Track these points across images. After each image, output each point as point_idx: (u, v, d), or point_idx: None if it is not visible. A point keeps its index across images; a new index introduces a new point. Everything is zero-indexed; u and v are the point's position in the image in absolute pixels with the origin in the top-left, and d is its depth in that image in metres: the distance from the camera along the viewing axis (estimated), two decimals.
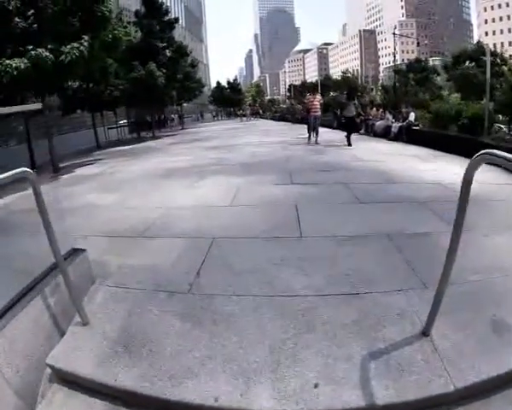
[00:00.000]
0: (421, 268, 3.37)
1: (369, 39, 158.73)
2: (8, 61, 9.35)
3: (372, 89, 76.78)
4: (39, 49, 9.72)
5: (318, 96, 14.96)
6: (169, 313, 2.90)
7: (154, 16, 26.63)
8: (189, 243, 4.26)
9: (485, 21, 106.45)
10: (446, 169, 8.12)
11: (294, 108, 36.26)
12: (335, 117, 21.54)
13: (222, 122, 50.08)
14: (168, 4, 42.97)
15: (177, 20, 30.06)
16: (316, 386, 2.12)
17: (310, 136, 14.23)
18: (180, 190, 7.18)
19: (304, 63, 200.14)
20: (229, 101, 64.60)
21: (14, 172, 2.38)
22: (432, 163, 9.07)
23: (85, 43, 10.43)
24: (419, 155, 10.18)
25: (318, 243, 4.07)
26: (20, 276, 2.98)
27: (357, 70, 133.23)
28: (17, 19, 10.09)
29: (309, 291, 3.08)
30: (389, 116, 16.55)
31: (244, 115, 51.44)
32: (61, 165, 13.54)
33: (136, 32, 25.94)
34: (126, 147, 19.92)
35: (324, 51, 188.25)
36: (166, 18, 28.01)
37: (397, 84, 35.93)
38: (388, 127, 15.58)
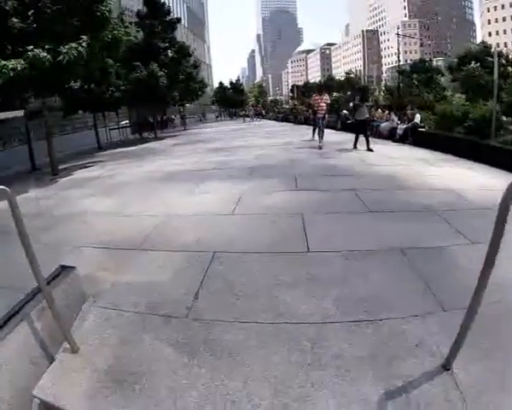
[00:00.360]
0: (439, 288, 3.15)
1: (371, 39, 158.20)
2: (4, 62, 9.11)
3: (375, 89, 76.40)
4: (36, 50, 9.46)
5: (325, 97, 14.02)
6: (165, 343, 2.67)
7: (155, 16, 26.39)
8: (188, 258, 4.01)
9: (489, 22, 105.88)
10: (456, 174, 7.93)
11: (297, 108, 35.99)
12: (339, 118, 21.30)
13: (225, 123, 49.76)
14: (170, 5, 42.79)
15: (179, 20, 29.81)
16: None
17: (319, 138, 13.22)
18: (181, 195, 6.93)
19: (306, 63, 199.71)
20: (232, 101, 64.32)
21: None
22: (440, 168, 8.83)
23: (84, 44, 10.16)
24: (427, 159, 9.92)
25: (327, 259, 3.80)
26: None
27: (360, 70, 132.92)
28: (14, 19, 9.84)
29: (318, 318, 2.84)
30: (394, 118, 16.27)
31: (247, 116, 51.22)
32: (61, 167, 13.27)
33: (138, 32, 25.73)
34: (128, 148, 19.67)
35: (327, 52, 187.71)
36: (168, 18, 27.74)
37: (401, 84, 35.63)
38: (394, 129, 15.31)
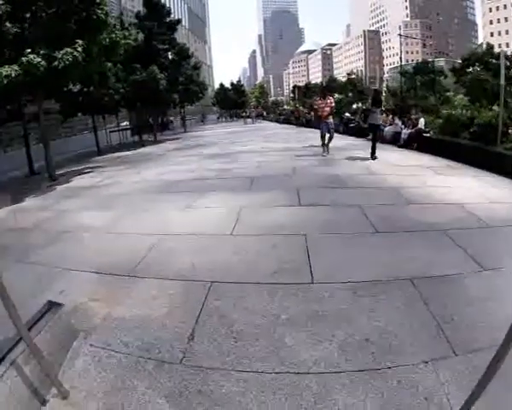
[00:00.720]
0: (450, 327, 2.89)
1: (373, 40, 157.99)
2: None
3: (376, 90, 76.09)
4: (31, 56, 9.18)
5: (329, 100, 12.62)
6: (157, 392, 2.41)
7: (155, 18, 26.11)
8: (184, 289, 3.71)
9: (491, 22, 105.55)
10: (464, 185, 7.64)
11: (299, 110, 35.72)
12: (341, 121, 21.04)
13: (225, 125, 49.52)
14: (171, 6, 42.53)
15: (179, 21, 29.58)
16: None
17: (323, 146, 12.40)
18: (177, 210, 6.61)
19: (308, 64, 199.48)
20: (233, 102, 64.13)
21: None
22: (447, 177, 8.52)
23: (79, 48, 9.87)
24: (433, 167, 9.61)
25: (332, 292, 3.49)
26: None
27: (362, 71, 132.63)
28: (8, 23, 9.56)
29: (322, 366, 2.56)
30: (398, 122, 15.97)
31: (249, 117, 51.07)
32: (59, 172, 13.15)
33: (137, 33, 25.45)
34: (127, 152, 19.47)
35: (328, 52, 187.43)
36: (168, 19, 27.48)
37: (403, 86, 35.31)
38: (397, 134, 15.00)
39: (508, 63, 26.97)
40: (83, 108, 19.53)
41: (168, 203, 7.13)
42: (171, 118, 46.09)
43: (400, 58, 39.15)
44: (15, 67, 9.05)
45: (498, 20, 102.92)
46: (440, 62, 63.97)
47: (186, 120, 44.78)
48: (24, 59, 9.12)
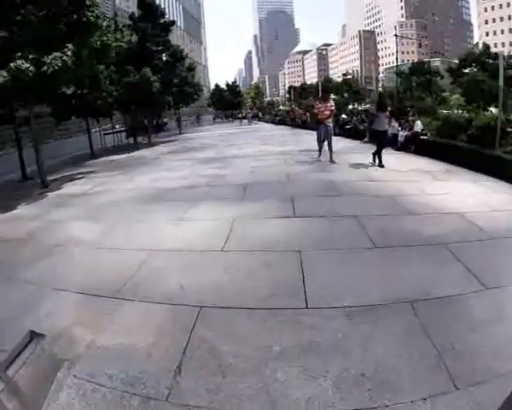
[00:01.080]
0: (451, 356, 2.73)
1: (368, 40, 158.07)
2: None
3: (371, 90, 76.08)
4: (19, 61, 8.94)
5: (329, 103, 12.18)
6: None
7: (149, 19, 25.84)
8: (172, 314, 3.50)
9: (486, 22, 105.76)
10: (464, 192, 7.44)
11: (295, 111, 35.53)
12: (337, 123, 20.86)
13: (221, 126, 49.29)
14: (166, 6, 42.35)
15: (173, 22, 29.35)
16: None
17: (320, 151, 12.00)
18: (168, 222, 6.37)
19: (303, 64, 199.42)
20: (229, 103, 63.94)
21: None
22: (445, 182, 8.36)
23: (69, 53, 9.64)
24: (430, 172, 9.42)
25: (327, 318, 3.28)
26: None
27: (357, 71, 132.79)
28: None
29: (315, 405, 2.39)
30: (395, 124, 15.77)
31: (245, 118, 51.09)
32: (52, 177, 12.92)
33: (131, 35, 25.20)
34: (120, 156, 19.21)
35: (324, 52, 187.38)
36: (162, 20, 27.21)
37: (399, 87, 35.16)
38: (395, 136, 14.81)
39: (505, 64, 26.89)
40: (76, 111, 19.25)
41: (159, 214, 6.90)
42: (165, 119, 45.77)
43: (396, 59, 39.01)
44: (4, 73, 8.82)
45: (494, 19, 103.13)
46: (436, 62, 63.99)
47: (181, 121, 44.58)
48: (12, 64, 8.88)
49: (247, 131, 31.32)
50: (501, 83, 11.33)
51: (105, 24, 14.08)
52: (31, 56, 9.32)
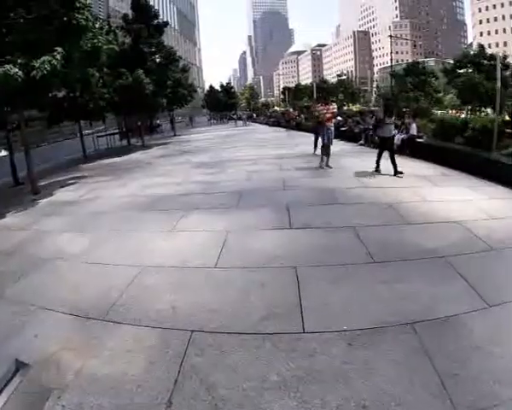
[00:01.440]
0: (454, 383, 2.61)
1: (363, 40, 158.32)
2: None
3: (366, 90, 76.11)
4: (7, 66, 8.70)
5: (332, 106, 11.93)
6: None
7: (142, 20, 25.58)
8: (162, 340, 3.30)
9: (480, 22, 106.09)
10: (462, 198, 7.31)
11: (290, 113, 35.40)
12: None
13: (216, 127, 49.11)
14: (159, 8, 42.13)
15: (166, 23, 29.12)
16: None
17: (323, 157, 11.26)
18: (160, 234, 6.12)
19: (298, 65, 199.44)
20: (223, 104, 63.79)
21: None
22: (443, 188, 8.24)
23: (58, 56, 9.39)
24: (428, 177, 9.27)
25: (325, 344, 3.10)
26: None
27: (352, 71, 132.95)
28: None
29: None
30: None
31: (240, 119, 51.22)
32: (43, 183, 12.69)
33: (125, 36, 24.97)
34: (113, 159, 18.97)
35: (318, 53, 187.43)
36: (155, 22, 26.95)
37: (394, 88, 35.03)
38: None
39: (501, 65, 26.86)
40: (68, 114, 19.00)
41: (151, 224, 6.68)
42: (158, 121, 45.48)
43: (391, 59, 38.94)
44: None
45: (488, 19, 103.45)
46: (430, 62, 64.06)
47: (175, 122, 44.34)
48: (0, 70, 8.64)
49: (241, 133, 31.17)
50: (498, 85, 11.21)
51: (97, 26, 13.92)
52: (19, 61, 9.09)
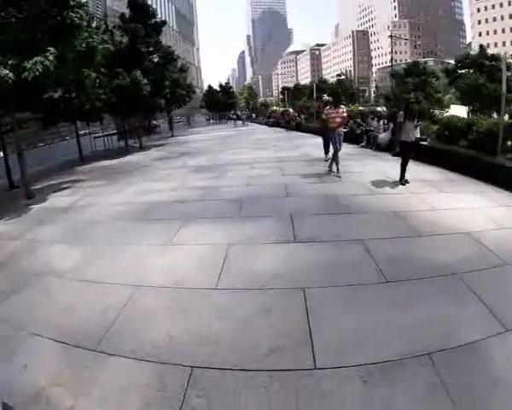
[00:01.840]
0: None
1: (361, 40, 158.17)
2: None
3: (365, 90, 75.88)
4: None
5: (341, 109, 10.86)
6: None
7: (140, 20, 25.17)
8: (159, 377, 2.98)
9: (479, 22, 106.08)
10: (470, 206, 7.08)
11: (289, 113, 35.09)
12: None
13: (214, 127, 48.81)
14: (158, 7, 41.82)
15: (164, 22, 28.66)
16: None
17: (331, 164, 10.70)
18: (155, 248, 5.73)
19: (296, 65, 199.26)
20: (222, 104, 63.50)
21: None
22: (450, 194, 7.97)
23: (50, 57, 9.04)
24: (433, 182, 9.02)
25: (338, 382, 2.79)
26: None
27: (350, 71, 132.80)
28: None
29: None
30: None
31: (239, 118, 51.29)
32: (38, 186, 12.46)
33: (122, 36, 24.59)
34: (111, 161, 18.60)
35: (317, 53, 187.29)
36: (153, 21, 26.53)
37: (395, 89, 34.73)
38: (393, 141, 14.36)
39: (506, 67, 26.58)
40: (64, 115, 18.62)
41: (146, 237, 6.28)
42: (155, 121, 44.99)
43: (391, 59, 38.69)
44: None
45: (487, 20, 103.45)
46: (429, 62, 63.77)
47: (174, 122, 44.01)
48: None
49: (241, 134, 30.87)
50: (504, 89, 10.87)
51: (94, 25, 13.58)
52: (10, 62, 8.75)
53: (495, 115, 16.47)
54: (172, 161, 16.25)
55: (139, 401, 2.72)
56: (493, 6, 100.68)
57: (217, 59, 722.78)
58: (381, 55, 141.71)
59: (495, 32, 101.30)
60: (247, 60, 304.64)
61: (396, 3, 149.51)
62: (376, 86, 73.95)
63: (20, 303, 4.40)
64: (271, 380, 2.83)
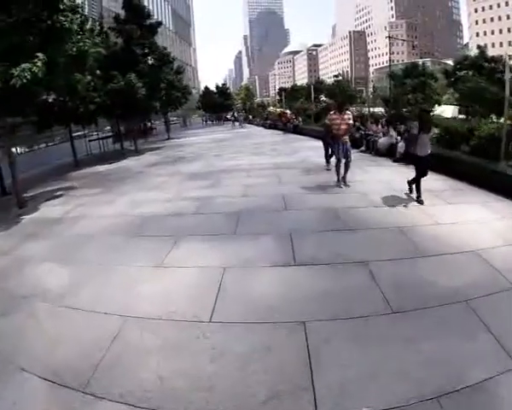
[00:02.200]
0: None
1: (358, 40, 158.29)
2: None
3: (362, 90, 75.60)
4: None
5: (346, 115, 9.67)
6: None
7: (135, 21, 24.79)
8: None
9: (476, 22, 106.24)
10: (475, 219, 6.81)
11: (286, 115, 34.83)
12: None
13: (211, 129, 48.40)
14: (154, 8, 41.51)
15: (160, 23, 28.29)
16: None
17: (338, 174, 9.78)
18: (146, 271, 5.33)
19: (293, 65, 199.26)
20: (219, 106, 63.24)
21: None
22: (453, 205, 7.68)
23: (39, 63, 8.70)
24: (435, 191, 8.68)
25: None
26: None
27: (347, 71, 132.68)
28: None
29: None
30: (393, 133, 15.03)
31: (236, 120, 51.48)
32: (30, 194, 12.21)
33: (117, 37, 24.25)
34: (105, 166, 18.26)
35: (314, 53, 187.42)
36: (148, 22, 26.14)
37: (393, 90, 34.48)
38: (393, 145, 14.08)
39: (501, 67, 26.33)
40: (58, 118, 18.27)
41: (137, 257, 5.89)
42: (149, 123, 44.65)
43: (389, 60, 38.43)
44: None
45: (484, 20, 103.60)
46: (427, 63, 63.63)
47: (170, 124, 43.73)
48: None
49: (238, 137, 30.59)
50: (507, 93, 10.59)
51: (88, 27, 13.26)
52: None
53: (494, 118, 16.17)
54: (167, 167, 15.89)
55: None
56: (491, 6, 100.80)
57: (214, 59, 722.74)
58: (378, 56, 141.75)
59: (492, 32, 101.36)
60: (244, 60, 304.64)
61: (393, 4, 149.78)
62: (374, 87, 73.62)
63: (6, 330, 4.16)
64: None
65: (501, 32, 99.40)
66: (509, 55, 16.79)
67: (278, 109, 47.27)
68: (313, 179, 10.66)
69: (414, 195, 8.28)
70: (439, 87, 35.36)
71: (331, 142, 10.38)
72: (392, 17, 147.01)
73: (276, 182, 10.73)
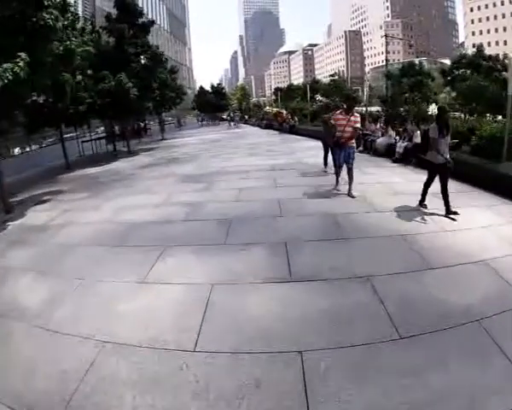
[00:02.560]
0: None
1: (354, 40, 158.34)
2: None
3: (358, 90, 75.30)
4: None
5: (353, 117, 8.55)
6: None
7: (127, 19, 24.26)
8: None
9: (472, 21, 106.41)
10: (479, 223, 6.47)
11: (282, 115, 34.47)
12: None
13: (206, 130, 48.01)
14: (149, 7, 41.06)
15: (152, 22, 27.72)
16: None
17: (337, 179, 9.25)
18: (128, 287, 4.84)
19: (289, 65, 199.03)
20: (214, 106, 62.82)
21: None
22: (459, 209, 7.14)
23: (21, 63, 8.27)
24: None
25: None
26: None
27: (343, 71, 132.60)
28: None
29: None
30: (392, 133, 14.70)
31: (232, 120, 51.52)
32: (18, 198, 11.87)
33: (109, 37, 23.77)
34: (95, 169, 17.83)
35: (310, 53, 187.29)
36: (141, 21, 25.60)
37: (389, 89, 34.23)
38: (391, 145, 13.73)
39: (500, 66, 26.11)
40: (48, 120, 17.83)
41: (120, 270, 5.41)
42: (144, 124, 44.23)
43: (386, 59, 38.14)
44: None
45: (480, 19, 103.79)
46: (423, 62, 63.52)
47: (165, 124, 43.36)
48: None
49: (233, 137, 30.23)
50: (510, 92, 10.21)
51: (79, 25, 12.83)
52: None
53: (491, 117, 15.90)
54: (159, 169, 15.47)
55: None
56: (486, 6, 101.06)
57: (209, 59, 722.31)
58: (374, 55, 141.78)
59: (488, 31, 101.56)
60: (240, 60, 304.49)
61: (389, 3, 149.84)
62: (369, 86, 73.46)
63: None
64: None
65: (497, 30, 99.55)
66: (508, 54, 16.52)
67: (274, 109, 46.88)
68: (310, 182, 10.21)
69: (429, 207, 7.47)
70: (435, 86, 35.12)
71: (331, 145, 9.58)
72: (388, 17, 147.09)
73: (271, 185, 10.27)
